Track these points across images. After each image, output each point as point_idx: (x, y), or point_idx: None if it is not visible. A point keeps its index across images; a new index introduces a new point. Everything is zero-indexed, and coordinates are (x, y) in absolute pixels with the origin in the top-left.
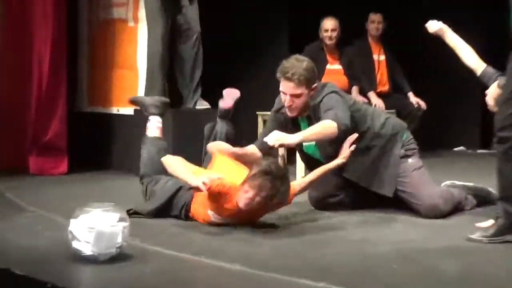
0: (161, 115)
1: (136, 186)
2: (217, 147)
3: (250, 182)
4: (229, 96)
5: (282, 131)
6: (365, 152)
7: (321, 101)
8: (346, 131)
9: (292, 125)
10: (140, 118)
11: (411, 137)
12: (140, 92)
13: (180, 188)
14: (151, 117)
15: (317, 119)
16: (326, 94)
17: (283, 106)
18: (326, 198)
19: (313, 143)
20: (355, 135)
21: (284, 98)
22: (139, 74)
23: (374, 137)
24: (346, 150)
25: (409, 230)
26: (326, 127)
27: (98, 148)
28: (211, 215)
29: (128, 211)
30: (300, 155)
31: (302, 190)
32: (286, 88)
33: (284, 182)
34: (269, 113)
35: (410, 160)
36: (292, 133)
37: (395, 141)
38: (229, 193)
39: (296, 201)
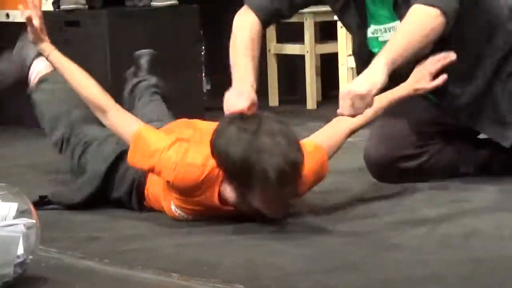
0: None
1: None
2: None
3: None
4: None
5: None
6: (486, 70)
7: None
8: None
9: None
10: (47, 28)
11: None
12: None
13: (123, 153)
14: (34, 63)
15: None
16: None
17: None
18: (397, 161)
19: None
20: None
21: None
22: None
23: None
24: (426, 68)
25: None
26: (421, 21)
27: None
28: (176, 211)
29: (41, 198)
30: (357, 62)
31: (337, 148)
32: None
33: (291, 145)
34: None
35: None
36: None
37: None
38: (208, 179)
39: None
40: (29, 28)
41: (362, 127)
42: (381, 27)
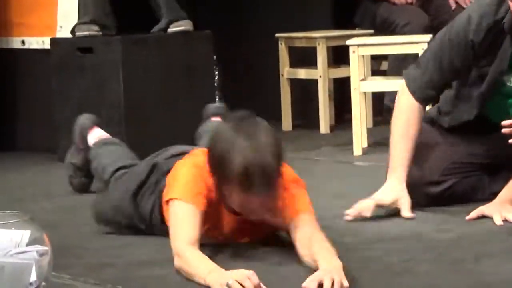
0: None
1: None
2: None
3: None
4: None
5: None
6: None
7: None
8: None
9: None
10: (61, 54)
11: None
12: (61, 14)
13: (154, 167)
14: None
15: None
16: None
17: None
18: (423, 186)
19: None
20: None
21: None
22: None
23: None
24: None
25: None
26: None
27: None
28: None
29: None
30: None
31: None
32: None
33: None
34: (297, 35)
35: None
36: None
37: None
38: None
39: None
40: None
41: None
42: None
